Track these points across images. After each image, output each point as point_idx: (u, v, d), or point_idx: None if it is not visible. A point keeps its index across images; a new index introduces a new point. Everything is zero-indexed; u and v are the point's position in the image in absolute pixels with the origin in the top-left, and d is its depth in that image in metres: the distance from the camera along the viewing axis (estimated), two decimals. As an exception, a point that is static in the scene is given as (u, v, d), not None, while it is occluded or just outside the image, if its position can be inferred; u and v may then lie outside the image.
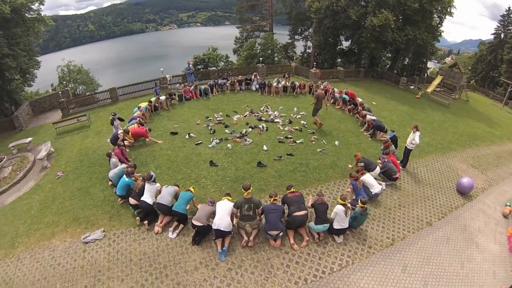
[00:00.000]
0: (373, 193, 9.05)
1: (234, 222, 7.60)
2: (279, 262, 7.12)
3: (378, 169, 9.95)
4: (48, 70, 31.49)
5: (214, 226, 7.09)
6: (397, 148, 11.80)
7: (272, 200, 7.56)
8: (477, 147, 14.68)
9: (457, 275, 7.47)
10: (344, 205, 7.36)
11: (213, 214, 7.39)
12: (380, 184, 9.44)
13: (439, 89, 26.02)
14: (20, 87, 21.07)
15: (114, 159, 9.86)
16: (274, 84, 18.13)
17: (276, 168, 10.55)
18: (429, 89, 24.39)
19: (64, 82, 33.85)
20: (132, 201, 8.31)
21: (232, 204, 7.47)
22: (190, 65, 19.03)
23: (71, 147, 13.28)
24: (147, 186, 8.16)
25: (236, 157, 11.11)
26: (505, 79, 34.81)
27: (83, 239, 7.90)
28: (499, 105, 29.89)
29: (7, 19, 17.11)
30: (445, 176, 11.50)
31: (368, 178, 9.16)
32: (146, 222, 8.02)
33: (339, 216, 7.36)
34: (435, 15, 27.38)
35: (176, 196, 8.14)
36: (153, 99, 15.51)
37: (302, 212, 7.44)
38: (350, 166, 10.76)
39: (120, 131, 11.68)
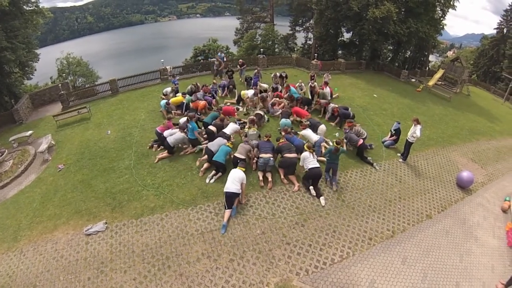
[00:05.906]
0: (315, 142, 10.33)
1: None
2: (281, 253, 7.21)
3: (323, 127, 11.33)
4: (47, 63, 31.26)
5: (225, 189, 8.01)
6: (398, 140, 11.81)
7: (266, 139, 9.73)
8: (477, 142, 14.68)
9: (456, 268, 7.57)
10: (307, 151, 8.84)
11: (250, 151, 9.55)
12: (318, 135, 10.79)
13: (440, 82, 25.88)
14: (19, 80, 20.85)
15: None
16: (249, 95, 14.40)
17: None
18: (431, 83, 24.25)
19: (64, 74, 33.75)
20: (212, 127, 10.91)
21: (244, 175, 8.25)
22: (223, 54, 21.13)
23: (72, 140, 13.28)
24: (230, 125, 10.82)
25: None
26: (507, 74, 34.52)
27: (86, 231, 7.97)
28: (500, 100, 29.79)
29: (6, 12, 16.92)
30: (445, 169, 11.54)
31: (305, 132, 10.76)
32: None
33: (306, 159, 8.75)
34: (438, 8, 27.09)
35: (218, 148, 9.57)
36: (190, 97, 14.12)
37: (293, 155, 9.23)
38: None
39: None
